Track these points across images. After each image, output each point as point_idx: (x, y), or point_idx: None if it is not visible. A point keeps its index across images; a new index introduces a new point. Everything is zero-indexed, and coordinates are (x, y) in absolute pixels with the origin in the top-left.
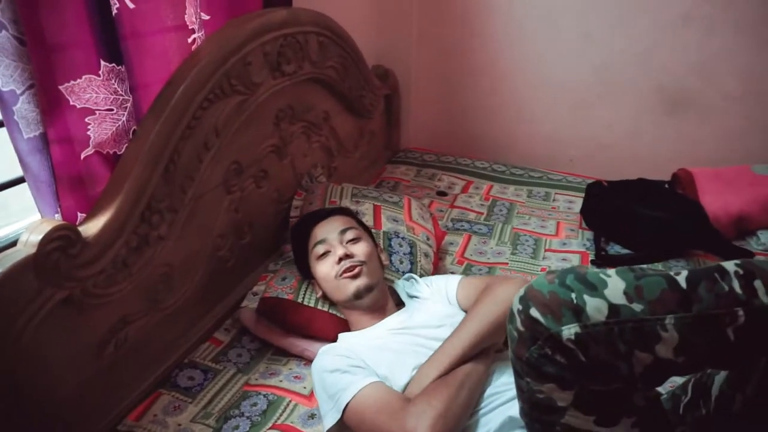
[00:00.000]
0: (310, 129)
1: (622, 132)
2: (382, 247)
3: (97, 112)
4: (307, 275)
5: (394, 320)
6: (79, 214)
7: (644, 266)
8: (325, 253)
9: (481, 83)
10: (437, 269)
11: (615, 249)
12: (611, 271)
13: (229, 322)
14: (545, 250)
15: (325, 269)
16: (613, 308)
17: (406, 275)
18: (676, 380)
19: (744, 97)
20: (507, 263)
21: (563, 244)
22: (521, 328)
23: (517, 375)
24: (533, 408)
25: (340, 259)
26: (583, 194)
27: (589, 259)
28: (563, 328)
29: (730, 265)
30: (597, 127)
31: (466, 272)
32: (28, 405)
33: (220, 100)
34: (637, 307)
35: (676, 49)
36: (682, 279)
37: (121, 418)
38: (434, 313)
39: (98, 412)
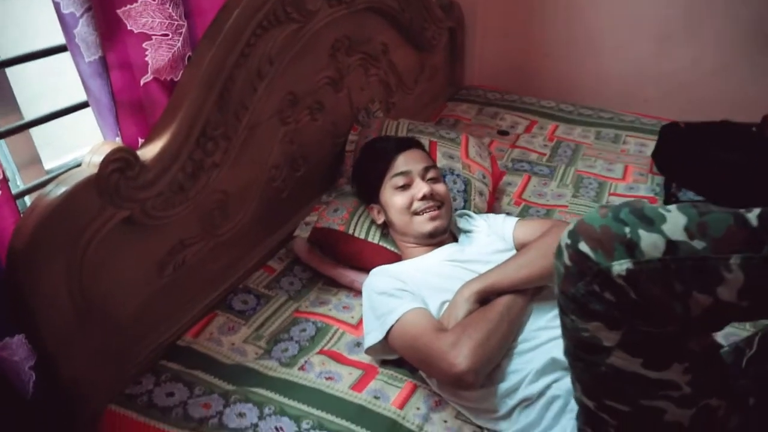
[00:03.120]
0: (368, 62)
1: (707, 69)
2: None
3: (153, 37)
4: (369, 199)
5: (445, 251)
6: (139, 139)
7: (712, 204)
8: (405, 185)
9: (552, 17)
10: (492, 209)
11: (688, 195)
12: (672, 206)
13: (283, 251)
14: (609, 194)
15: (404, 201)
16: (671, 244)
17: (459, 211)
18: (740, 334)
19: None
20: (567, 206)
21: (630, 188)
22: (568, 263)
23: (561, 312)
24: (577, 346)
25: (424, 197)
26: (656, 137)
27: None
28: (614, 263)
29: None
30: (679, 64)
31: (523, 214)
32: (97, 316)
33: (275, 28)
34: (699, 244)
35: None
36: (752, 216)
37: (181, 334)
38: (487, 246)
39: (160, 327)
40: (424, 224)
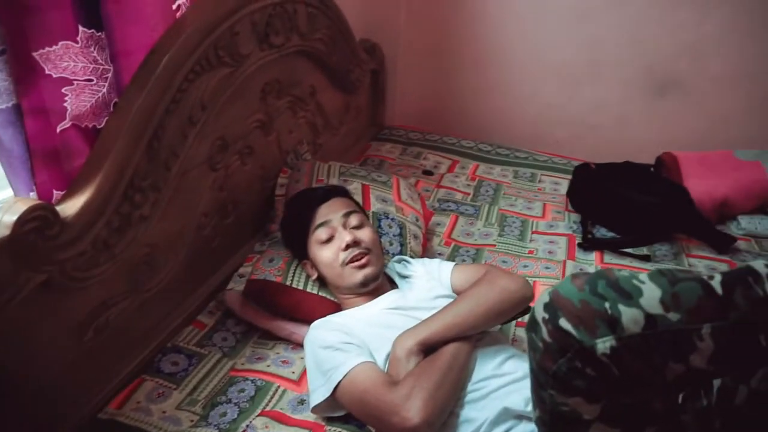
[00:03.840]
0: (297, 104)
1: (609, 113)
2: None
3: (75, 82)
4: (301, 256)
5: (387, 299)
6: (54, 191)
7: (674, 268)
8: (329, 239)
9: (469, 61)
10: (426, 251)
11: (601, 232)
12: (643, 276)
13: (213, 304)
14: (532, 232)
15: (330, 255)
16: (649, 318)
17: (397, 257)
18: None
19: (732, 81)
20: (494, 245)
21: (550, 226)
22: (548, 339)
23: (539, 386)
24: (556, 419)
25: (348, 246)
26: (568, 176)
27: (576, 242)
28: (598, 341)
29: (761, 267)
30: (584, 108)
31: (454, 254)
32: (12, 389)
33: (207, 72)
34: (674, 316)
35: (668, 29)
36: (716, 284)
37: (103, 406)
38: (428, 291)
39: (80, 399)
40: (354, 274)
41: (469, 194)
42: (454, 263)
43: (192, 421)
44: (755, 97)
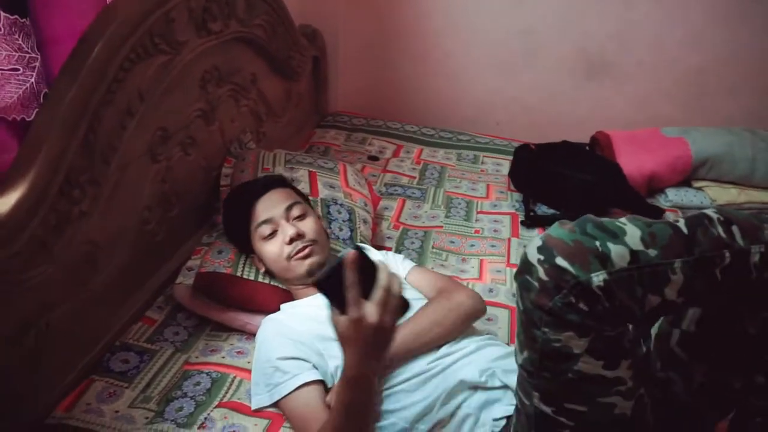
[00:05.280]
0: (238, 92)
1: (545, 95)
2: (320, 215)
3: (0, 72)
4: (247, 250)
5: None
6: None
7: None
8: (272, 233)
9: (409, 46)
10: (375, 236)
11: (542, 209)
12: (622, 220)
13: (162, 299)
14: (477, 212)
15: (274, 250)
16: (634, 254)
17: (359, 245)
18: None
19: (655, 65)
20: (442, 226)
21: (494, 205)
22: (545, 278)
23: (531, 325)
24: (546, 357)
25: (292, 240)
26: (509, 156)
27: (519, 220)
28: (593, 275)
29: (711, 212)
30: (521, 91)
31: (402, 237)
32: None
33: (143, 60)
34: (653, 252)
35: (597, 17)
36: (682, 226)
37: (50, 411)
38: None
39: (23, 406)
40: (299, 266)
41: (414, 178)
42: (414, 264)
43: (147, 418)
44: (674, 80)
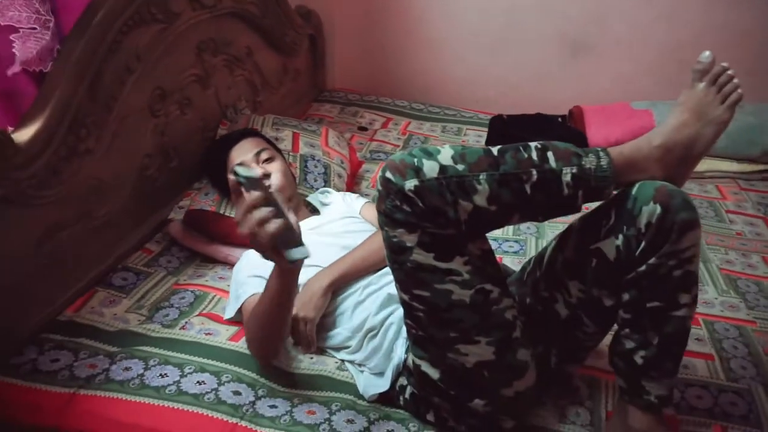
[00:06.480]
0: (233, 63)
1: (528, 73)
2: (297, 166)
3: (20, 30)
4: (227, 193)
5: (307, 223)
6: (9, 128)
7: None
8: None
9: (400, 28)
10: (351, 190)
11: None
12: (447, 145)
13: (160, 235)
14: None
15: None
16: (442, 168)
17: (321, 189)
18: None
19: (632, 42)
20: None
21: None
22: (380, 188)
23: (380, 228)
24: (391, 251)
25: None
26: None
27: None
28: (406, 182)
29: (533, 143)
30: (506, 69)
31: None
32: None
33: (140, 27)
34: (461, 167)
35: None
36: (494, 149)
37: (61, 311)
38: (339, 214)
39: (40, 304)
40: None
41: (398, 146)
42: (367, 201)
43: (139, 320)
44: (653, 57)
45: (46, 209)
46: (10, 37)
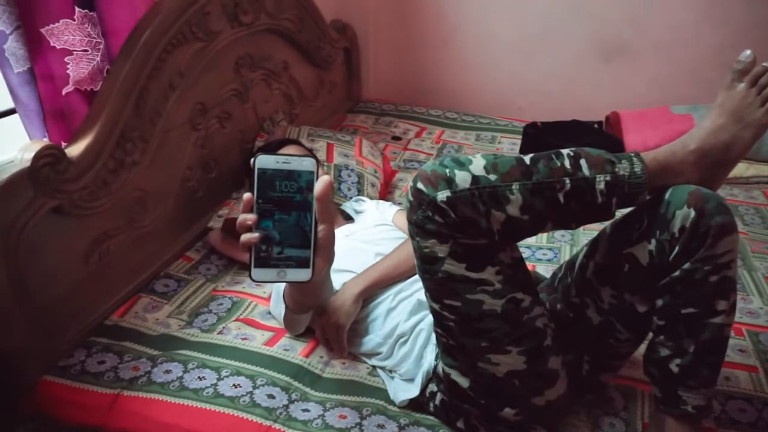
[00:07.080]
0: (270, 77)
1: (562, 80)
2: (331, 176)
3: (74, 52)
4: None
5: (342, 231)
6: (62, 143)
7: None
8: None
9: (435, 38)
10: (385, 199)
11: None
12: (479, 154)
13: (200, 244)
14: None
15: None
16: (474, 178)
17: (355, 198)
18: None
19: (671, 45)
20: None
21: None
22: (411, 199)
23: (411, 238)
24: (422, 261)
25: None
26: None
27: None
28: (438, 193)
29: (565, 150)
30: (541, 76)
31: None
32: (31, 295)
33: (182, 45)
34: (493, 177)
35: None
36: (527, 158)
37: (107, 316)
38: (372, 221)
39: (88, 309)
40: None
41: (432, 155)
42: (400, 208)
43: (179, 325)
44: (694, 59)
45: (96, 219)
46: (65, 59)
